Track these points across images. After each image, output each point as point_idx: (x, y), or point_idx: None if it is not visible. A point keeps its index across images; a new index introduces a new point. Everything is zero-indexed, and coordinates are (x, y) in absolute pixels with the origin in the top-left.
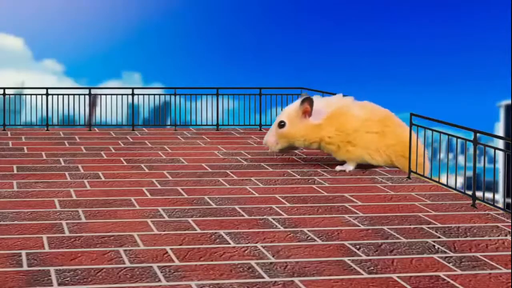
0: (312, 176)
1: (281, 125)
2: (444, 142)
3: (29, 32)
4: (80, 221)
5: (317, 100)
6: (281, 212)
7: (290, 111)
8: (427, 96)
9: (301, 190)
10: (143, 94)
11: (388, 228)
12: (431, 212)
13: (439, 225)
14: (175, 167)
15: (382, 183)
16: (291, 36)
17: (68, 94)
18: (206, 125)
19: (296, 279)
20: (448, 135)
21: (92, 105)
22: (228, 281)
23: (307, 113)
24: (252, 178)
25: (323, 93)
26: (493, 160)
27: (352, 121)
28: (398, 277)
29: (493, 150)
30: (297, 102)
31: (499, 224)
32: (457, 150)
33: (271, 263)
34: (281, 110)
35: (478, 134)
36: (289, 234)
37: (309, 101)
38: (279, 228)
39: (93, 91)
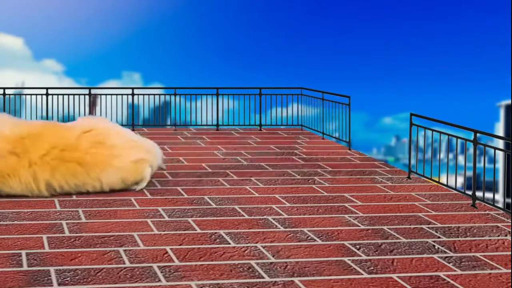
0: (312, 176)
1: None
2: (444, 142)
3: (29, 32)
4: (80, 221)
5: None
6: (281, 212)
7: None
8: (427, 96)
9: (301, 190)
10: (143, 94)
11: (388, 228)
12: (431, 212)
13: (439, 225)
14: (175, 167)
15: (382, 183)
16: (291, 37)
17: (68, 94)
18: (206, 125)
19: (296, 279)
20: (448, 135)
21: (92, 105)
22: (228, 281)
23: None
24: (252, 178)
25: (323, 92)
26: (493, 160)
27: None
28: (398, 277)
29: (493, 150)
30: None
31: (499, 224)
32: (457, 150)
33: (271, 263)
34: (281, 110)
35: (478, 134)
36: (289, 234)
37: None
38: (279, 228)
39: (93, 91)
